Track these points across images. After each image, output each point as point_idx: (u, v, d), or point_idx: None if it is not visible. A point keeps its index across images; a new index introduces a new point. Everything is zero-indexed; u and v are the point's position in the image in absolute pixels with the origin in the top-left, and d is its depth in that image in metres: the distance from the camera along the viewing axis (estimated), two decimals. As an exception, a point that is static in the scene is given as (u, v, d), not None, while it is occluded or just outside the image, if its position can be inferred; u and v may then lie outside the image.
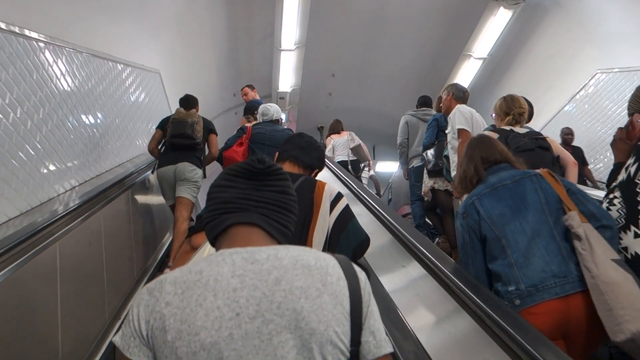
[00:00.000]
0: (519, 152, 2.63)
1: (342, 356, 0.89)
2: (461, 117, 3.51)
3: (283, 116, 9.22)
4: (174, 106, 6.87)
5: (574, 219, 1.86)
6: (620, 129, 2.05)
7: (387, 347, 0.94)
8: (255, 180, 1.04)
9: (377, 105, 10.37)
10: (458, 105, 3.66)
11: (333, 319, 0.89)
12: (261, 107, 4.53)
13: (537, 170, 2.12)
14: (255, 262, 0.92)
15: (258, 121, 4.50)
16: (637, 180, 1.76)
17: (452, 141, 3.57)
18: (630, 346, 1.63)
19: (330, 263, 0.96)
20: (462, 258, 2.12)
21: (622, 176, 1.86)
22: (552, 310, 1.78)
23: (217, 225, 1.02)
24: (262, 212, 1.02)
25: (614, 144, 2.08)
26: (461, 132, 3.47)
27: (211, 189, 1.07)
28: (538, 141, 2.87)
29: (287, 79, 8.97)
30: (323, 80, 9.75)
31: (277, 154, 1.99)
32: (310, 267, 0.93)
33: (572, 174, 2.90)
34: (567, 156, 2.97)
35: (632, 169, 1.81)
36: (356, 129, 11.72)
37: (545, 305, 1.79)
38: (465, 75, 8.58)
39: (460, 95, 3.90)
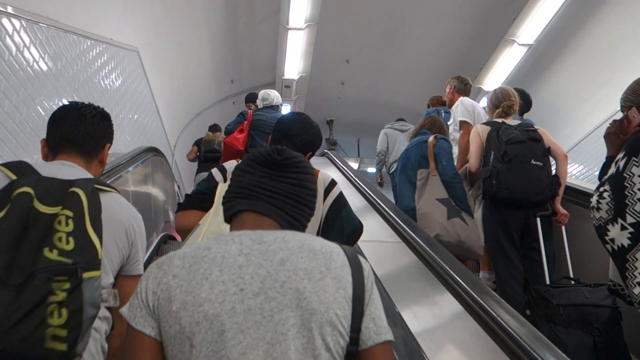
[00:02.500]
0: (510, 144, 2.92)
1: (340, 339, 0.91)
2: (464, 109, 3.73)
3: (288, 107, 8.33)
4: (157, 91, 6.07)
5: (420, 174, 3.22)
6: (614, 121, 2.10)
7: (387, 335, 0.96)
8: (273, 169, 1.06)
9: (396, 97, 9.61)
10: (461, 98, 3.85)
11: (334, 302, 0.92)
12: (261, 92, 4.56)
13: (429, 137, 3.36)
14: (262, 243, 0.96)
15: (259, 107, 4.57)
16: (625, 175, 1.87)
17: (454, 133, 3.81)
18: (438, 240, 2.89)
19: (336, 250, 1.00)
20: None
21: (611, 170, 1.96)
22: None
23: (230, 208, 1.06)
24: (273, 202, 1.04)
25: (607, 137, 2.14)
26: (463, 124, 3.67)
27: (234, 171, 1.11)
28: (529, 133, 3.02)
29: (294, 64, 8.07)
30: (336, 66, 9.07)
31: (269, 138, 2.01)
32: (316, 251, 0.97)
33: (563, 166, 3.11)
34: (558, 148, 3.15)
35: (621, 163, 1.90)
36: (371, 124, 10.93)
37: None
38: (505, 63, 7.57)
39: (462, 87, 4.02)
